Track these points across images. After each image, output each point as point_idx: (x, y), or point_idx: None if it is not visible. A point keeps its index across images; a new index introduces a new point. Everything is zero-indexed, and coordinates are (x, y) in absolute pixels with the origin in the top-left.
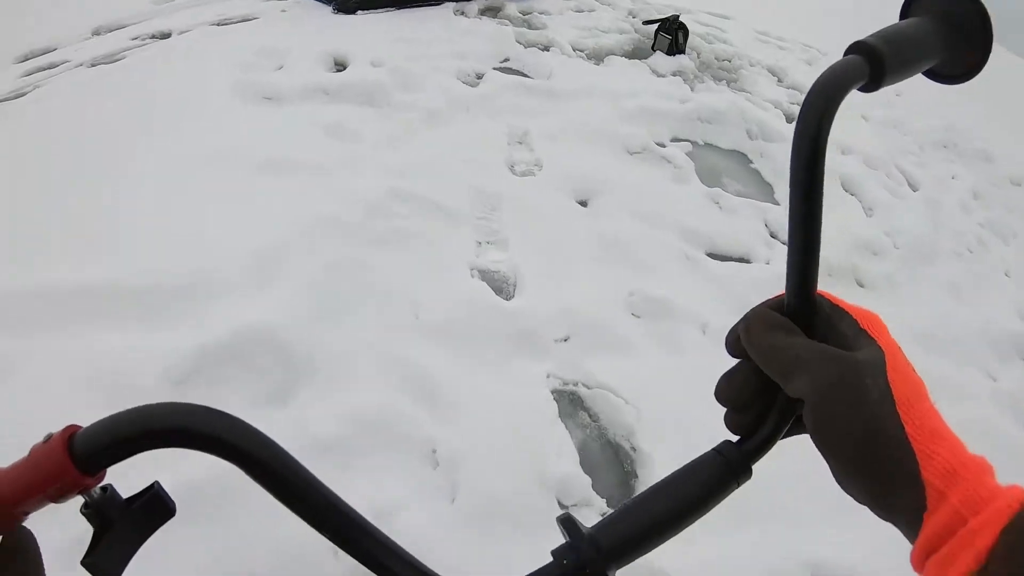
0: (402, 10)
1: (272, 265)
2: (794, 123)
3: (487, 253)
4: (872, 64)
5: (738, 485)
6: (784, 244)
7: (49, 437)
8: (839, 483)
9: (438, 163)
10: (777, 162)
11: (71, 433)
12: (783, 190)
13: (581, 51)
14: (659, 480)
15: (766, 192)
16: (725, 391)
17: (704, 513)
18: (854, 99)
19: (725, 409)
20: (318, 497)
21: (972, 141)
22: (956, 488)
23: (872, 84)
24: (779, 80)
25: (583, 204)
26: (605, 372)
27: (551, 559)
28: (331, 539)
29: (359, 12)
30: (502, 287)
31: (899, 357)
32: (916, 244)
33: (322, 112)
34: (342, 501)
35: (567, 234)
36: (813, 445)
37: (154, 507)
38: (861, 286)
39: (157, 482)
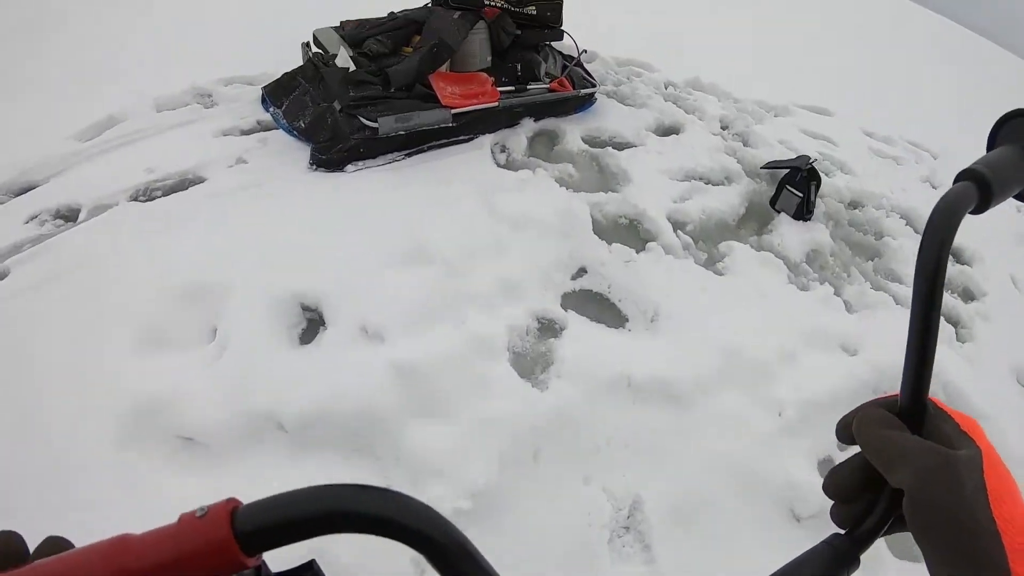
0: (413, 156)
1: None
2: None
3: None
4: (981, 189)
5: (848, 575)
6: None
7: (205, 510)
8: (931, 573)
9: None
10: None
11: (234, 507)
12: None
13: (685, 229)
14: (774, 572)
15: None
16: (833, 482)
17: None
18: None
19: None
20: None
21: None
22: None
23: (981, 206)
24: (916, 231)
25: None
26: None
27: None
28: None
29: (349, 167)
30: None
31: (995, 458)
32: None
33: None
34: None
35: None
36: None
37: None
38: None
39: (314, 560)
